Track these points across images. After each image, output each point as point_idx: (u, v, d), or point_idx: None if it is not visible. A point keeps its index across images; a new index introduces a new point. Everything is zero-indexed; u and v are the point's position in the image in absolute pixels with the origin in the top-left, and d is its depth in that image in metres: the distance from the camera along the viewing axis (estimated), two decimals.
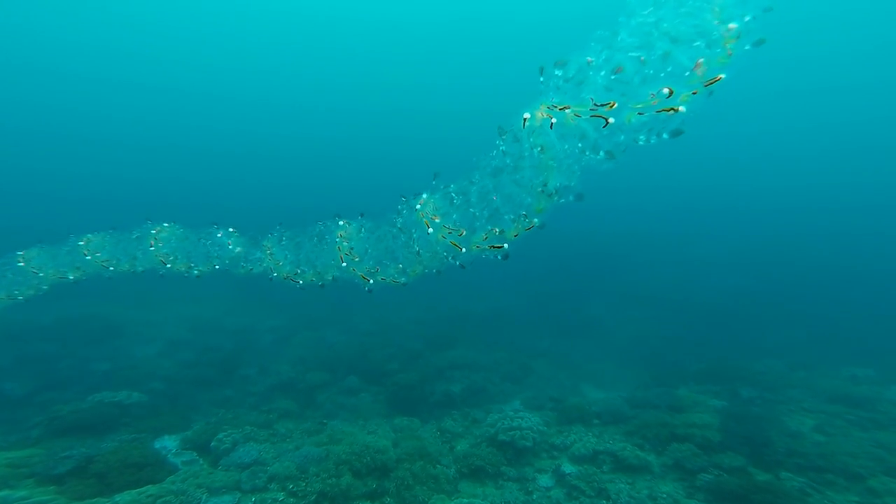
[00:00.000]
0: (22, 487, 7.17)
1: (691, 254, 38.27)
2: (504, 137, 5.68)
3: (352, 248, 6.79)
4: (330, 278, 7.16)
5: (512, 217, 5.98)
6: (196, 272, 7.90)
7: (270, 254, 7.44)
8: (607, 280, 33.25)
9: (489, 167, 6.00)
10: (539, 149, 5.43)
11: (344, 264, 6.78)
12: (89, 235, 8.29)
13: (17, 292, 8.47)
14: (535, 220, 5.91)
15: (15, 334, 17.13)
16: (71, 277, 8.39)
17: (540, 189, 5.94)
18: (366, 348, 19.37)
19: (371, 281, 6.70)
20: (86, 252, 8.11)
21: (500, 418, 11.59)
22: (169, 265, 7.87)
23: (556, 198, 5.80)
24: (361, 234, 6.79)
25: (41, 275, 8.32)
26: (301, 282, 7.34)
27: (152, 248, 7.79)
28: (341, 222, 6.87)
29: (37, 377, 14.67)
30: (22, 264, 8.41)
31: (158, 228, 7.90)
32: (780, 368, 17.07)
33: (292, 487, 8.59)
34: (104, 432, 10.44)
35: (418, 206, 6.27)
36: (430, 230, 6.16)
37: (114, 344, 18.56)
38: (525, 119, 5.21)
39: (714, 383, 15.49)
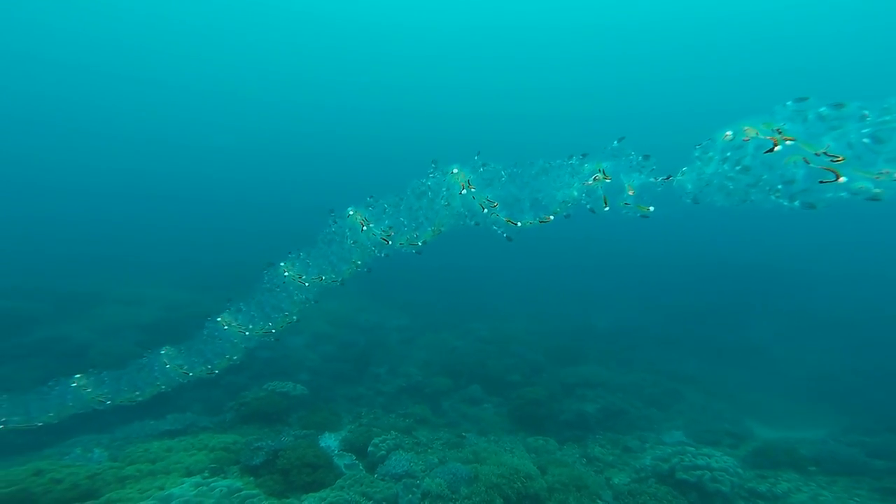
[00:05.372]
0: (232, 475, 8.27)
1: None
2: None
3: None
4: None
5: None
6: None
7: None
8: (772, 299, 27.64)
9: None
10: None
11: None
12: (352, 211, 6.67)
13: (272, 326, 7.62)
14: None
15: None
16: (362, 265, 7.18)
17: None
18: (485, 356, 19.02)
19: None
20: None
21: (676, 452, 10.00)
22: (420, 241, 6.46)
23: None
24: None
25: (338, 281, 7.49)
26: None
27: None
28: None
29: None
30: (300, 280, 7.41)
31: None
32: None
33: None
34: (276, 422, 11.80)
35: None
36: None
37: None
38: (727, 136, 4.11)
39: None
